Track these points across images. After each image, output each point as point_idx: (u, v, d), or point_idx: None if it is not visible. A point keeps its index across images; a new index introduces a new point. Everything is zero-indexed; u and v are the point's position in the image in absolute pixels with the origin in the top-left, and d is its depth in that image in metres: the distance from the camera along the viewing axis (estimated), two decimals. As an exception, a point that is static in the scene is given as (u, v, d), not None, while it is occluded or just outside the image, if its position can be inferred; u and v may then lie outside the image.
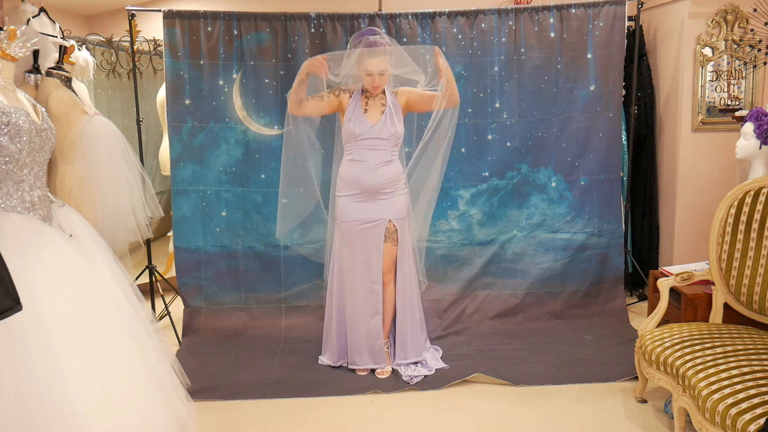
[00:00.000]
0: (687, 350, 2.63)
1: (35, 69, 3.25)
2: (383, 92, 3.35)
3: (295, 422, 3.00)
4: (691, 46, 4.10)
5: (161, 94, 4.52)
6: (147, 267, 4.15)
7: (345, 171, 3.35)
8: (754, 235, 2.85)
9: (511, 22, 3.94)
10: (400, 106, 3.35)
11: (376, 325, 3.39)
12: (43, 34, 3.46)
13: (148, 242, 4.10)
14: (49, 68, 3.29)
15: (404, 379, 3.34)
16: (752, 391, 2.25)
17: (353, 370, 3.45)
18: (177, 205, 3.98)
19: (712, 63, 4.11)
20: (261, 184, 3.97)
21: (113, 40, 4.67)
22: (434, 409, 3.08)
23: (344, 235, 3.38)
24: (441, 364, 3.48)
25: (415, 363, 3.45)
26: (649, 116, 4.46)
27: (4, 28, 2.37)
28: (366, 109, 3.30)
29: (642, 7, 4.17)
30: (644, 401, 3.08)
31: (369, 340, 3.39)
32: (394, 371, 3.43)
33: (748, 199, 2.89)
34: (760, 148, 3.25)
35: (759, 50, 4.02)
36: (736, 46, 4.07)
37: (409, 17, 3.92)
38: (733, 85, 4.13)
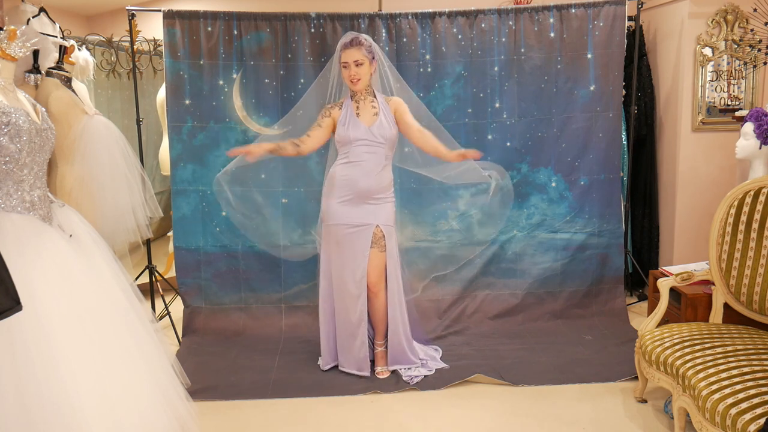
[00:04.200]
0: (687, 350, 2.63)
1: (35, 69, 3.25)
2: (374, 96, 3.34)
3: (295, 422, 3.00)
4: (691, 46, 4.10)
5: (161, 94, 4.52)
6: (147, 267, 4.15)
7: (339, 174, 3.31)
8: (754, 235, 2.85)
9: (511, 22, 3.94)
10: (392, 113, 3.34)
11: (362, 332, 3.37)
12: (43, 34, 3.46)
13: (148, 242, 4.10)
14: (49, 68, 3.29)
15: (404, 379, 3.34)
16: (752, 391, 2.25)
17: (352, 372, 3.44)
18: (177, 205, 3.98)
19: (712, 63, 4.11)
20: (261, 184, 3.97)
21: (113, 40, 4.67)
22: (434, 409, 3.08)
23: (332, 237, 3.36)
24: (441, 364, 3.47)
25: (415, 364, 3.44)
26: (649, 116, 4.46)
27: (4, 28, 2.37)
28: (358, 114, 3.29)
29: (642, 7, 4.17)
30: (644, 401, 3.07)
31: (354, 347, 3.38)
32: (394, 371, 3.43)
33: (748, 199, 2.89)
34: (760, 148, 3.25)
35: (759, 50, 4.02)
36: (736, 46, 4.07)
37: (409, 17, 3.92)
38: (733, 85, 4.12)
